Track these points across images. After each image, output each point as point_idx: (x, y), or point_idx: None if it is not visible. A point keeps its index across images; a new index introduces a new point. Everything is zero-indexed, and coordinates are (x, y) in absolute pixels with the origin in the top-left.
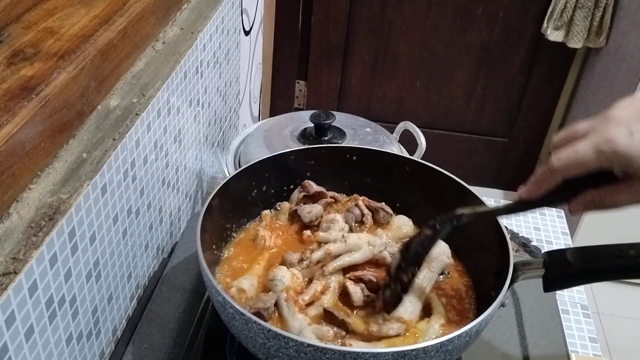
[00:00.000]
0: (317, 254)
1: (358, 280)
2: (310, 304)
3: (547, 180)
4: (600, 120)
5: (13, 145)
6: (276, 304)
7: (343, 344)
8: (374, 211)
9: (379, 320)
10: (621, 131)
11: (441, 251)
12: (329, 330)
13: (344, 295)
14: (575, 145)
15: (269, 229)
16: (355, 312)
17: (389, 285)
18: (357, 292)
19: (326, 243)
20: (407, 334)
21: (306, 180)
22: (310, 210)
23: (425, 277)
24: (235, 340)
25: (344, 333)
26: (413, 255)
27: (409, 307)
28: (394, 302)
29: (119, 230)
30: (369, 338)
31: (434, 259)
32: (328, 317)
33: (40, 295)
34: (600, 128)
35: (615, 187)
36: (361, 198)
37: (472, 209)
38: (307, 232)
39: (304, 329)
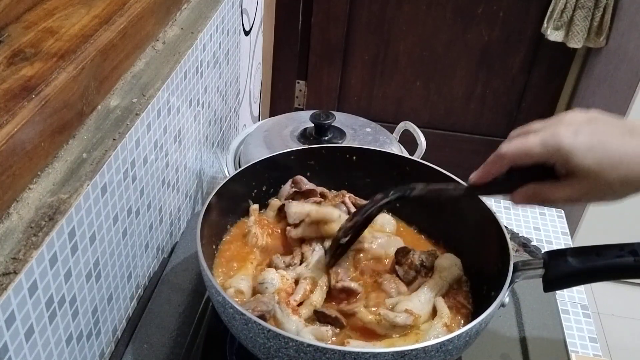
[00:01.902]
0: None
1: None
2: (300, 303)
3: (495, 166)
4: (553, 121)
5: (13, 145)
6: None
7: (341, 343)
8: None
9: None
10: (568, 130)
11: (452, 262)
12: (327, 331)
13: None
14: (526, 137)
15: (259, 225)
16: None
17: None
18: (357, 287)
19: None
20: (409, 334)
21: (298, 176)
22: (297, 211)
23: (436, 284)
24: (235, 340)
25: (338, 330)
26: (362, 211)
27: (418, 304)
28: (336, 252)
29: (119, 230)
30: (368, 336)
31: (446, 269)
32: (319, 317)
33: (40, 295)
34: (551, 126)
35: (555, 183)
36: (348, 195)
37: (426, 185)
38: (291, 230)
39: (301, 330)
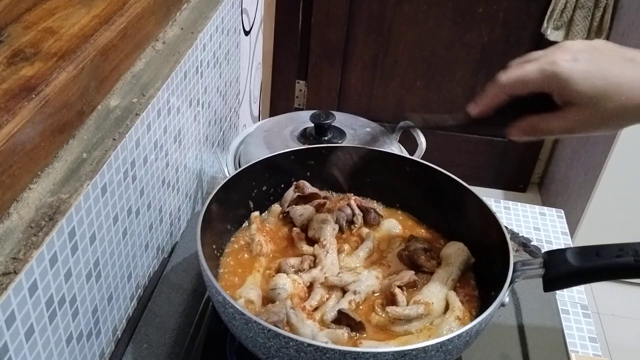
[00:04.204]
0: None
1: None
2: (315, 308)
3: (493, 97)
4: (553, 48)
5: (13, 145)
6: None
7: (355, 344)
8: (365, 211)
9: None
10: (566, 56)
11: (457, 247)
12: (343, 334)
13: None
14: (524, 65)
15: (261, 232)
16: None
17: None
18: (403, 300)
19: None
20: (423, 329)
21: (301, 180)
22: (302, 213)
23: (445, 271)
24: (235, 340)
25: (354, 334)
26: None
27: (428, 293)
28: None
29: (119, 230)
30: (388, 338)
31: (451, 255)
32: (342, 317)
33: (40, 295)
34: (550, 53)
35: (552, 114)
36: (353, 197)
37: (422, 116)
38: (296, 230)
39: (317, 334)
